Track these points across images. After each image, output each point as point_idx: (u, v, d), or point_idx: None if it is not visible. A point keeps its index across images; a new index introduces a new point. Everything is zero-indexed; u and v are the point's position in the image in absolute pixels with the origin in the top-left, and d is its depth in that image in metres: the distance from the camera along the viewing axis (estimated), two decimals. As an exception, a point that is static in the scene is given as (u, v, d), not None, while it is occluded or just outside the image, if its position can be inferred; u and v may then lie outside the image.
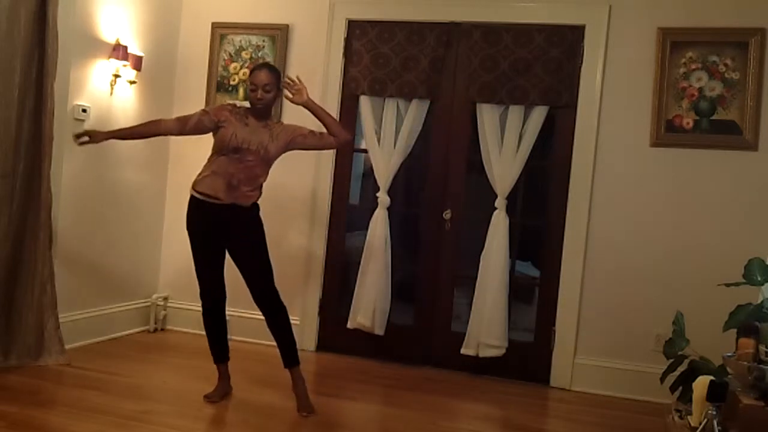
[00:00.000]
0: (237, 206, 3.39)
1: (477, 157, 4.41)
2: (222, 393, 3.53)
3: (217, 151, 3.42)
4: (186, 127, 3.41)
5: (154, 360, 4.21)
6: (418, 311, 4.61)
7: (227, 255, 3.51)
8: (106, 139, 3.43)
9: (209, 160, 3.45)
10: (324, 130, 3.53)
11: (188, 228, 3.47)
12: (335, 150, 4.62)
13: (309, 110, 3.48)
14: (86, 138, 3.35)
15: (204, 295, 3.52)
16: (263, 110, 3.43)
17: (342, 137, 3.55)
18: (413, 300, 4.65)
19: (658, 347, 3.75)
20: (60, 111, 3.83)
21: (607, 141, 4.21)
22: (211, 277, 3.49)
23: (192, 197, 3.44)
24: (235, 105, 3.52)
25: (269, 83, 3.37)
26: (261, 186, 3.49)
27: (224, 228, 3.42)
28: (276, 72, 3.48)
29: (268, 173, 3.50)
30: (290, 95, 3.46)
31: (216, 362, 3.58)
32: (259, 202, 3.50)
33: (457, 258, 4.52)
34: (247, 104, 3.52)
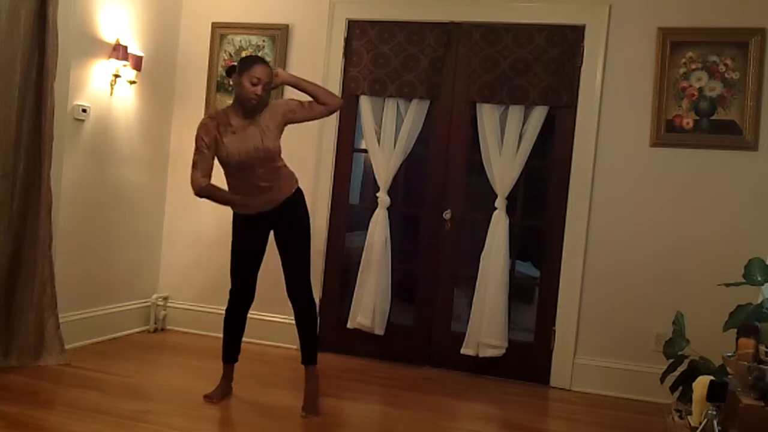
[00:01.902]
0: (282, 204, 3.39)
1: (477, 157, 4.41)
2: (222, 393, 3.52)
3: (225, 169, 3.36)
4: (212, 167, 3.27)
5: (154, 360, 4.21)
6: (418, 311, 4.60)
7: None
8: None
9: (226, 177, 3.39)
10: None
11: (234, 230, 3.48)
12: (335, 150, 4.63)
13: (293, 86, 3.41)
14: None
15: (233, 294, 3.53)
16: (256, 107, 3.25)
17: (333, 104, 3.43)
18: (413, 300, 4.64)
19: (658, 347, 3.76)
20: (60, 111, 3.83)
21: (607, 141, 4.21)
22: (244, 280, 3.49)
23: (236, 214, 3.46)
24: (211, 117, 3.34)
25: (269, 80, 3.25)
26: (291, 173, 3.44)
27: (273, 222, 3.42)
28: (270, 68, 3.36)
29: (283, 161, 3.41)
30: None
31: (224, 361, 3.58)
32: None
33: (457, 258, 4.51)
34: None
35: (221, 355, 3.60)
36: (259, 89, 3.19)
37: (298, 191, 3.46)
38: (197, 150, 3.25)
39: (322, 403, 3.50)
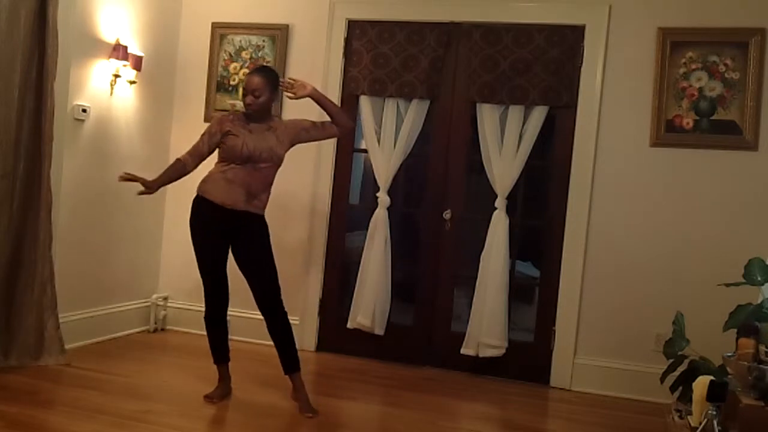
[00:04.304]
0: (251, 213, 3.40)
1: (477, 157, 4.41)
2: (222, 394, 3.52)
3: (226, 159, 3.39)
4: (202, 154, 3.42)
5: (154, 360, 4.21)
6: (418, 311, 4.60)
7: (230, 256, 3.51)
8: (158, 187, 3.41)
9: (217, 166, 3.43)
10: (325, 118, 3.54)
11: (194, 229, 3.45)
12: (335, 150, 4.63)
13: (314, 100, 3.48)
14: (144, 190, 3.36)
15: (208, 299, 3.51)
16: (258, 114, 3.41)
17: (346, 127, 3.59)
18: (413, 300, 4.64)
19: (658, 347, 3.76)
20: (60, 111, 3.83)
21: (607, 141, 4.21)
22: (217, 280, 3.47)
23: (203, 200, 3.39)
24: (231, 112, 3.49)
25: (259, 88, 3.35)
26: (270, 193, 3.51)
27: (233, 231, 3.41)
28: (270, 75, 3.44)
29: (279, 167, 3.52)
30: (292, 95, 3.46)
31: (216, 363, 3.58)
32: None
33: (457, 258, 4.51)
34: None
35: (212, 358, 3.59)
36: (248, 98, 3.37)
37: (263, 217, 3.49)
38: (203, 134, 3.44)
39: (323, 403, 3.51)
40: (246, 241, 3.43)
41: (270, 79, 3.41)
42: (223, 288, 3.51)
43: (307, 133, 3.52)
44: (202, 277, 3.48)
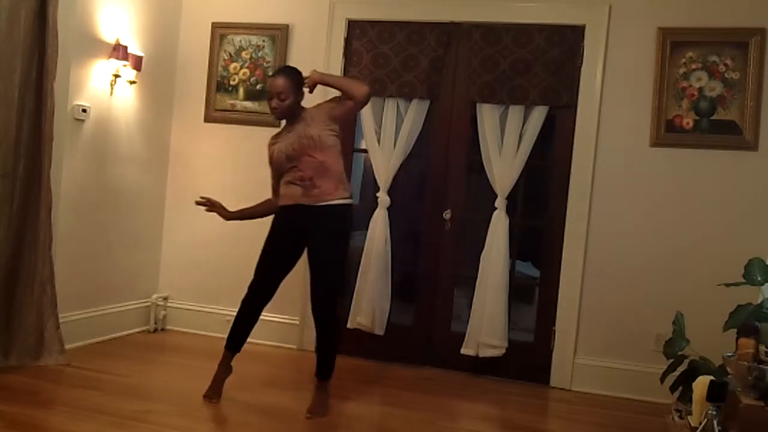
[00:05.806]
0: (322, 208, 3.34)
1: (477, 157, 4.41)
2: (219, 382, 3.49)
3: (280, 173, 3.44)
4: (274, 187, 3.53)
5: (154, 360, 4.22)
6: (418, 311, 4.60)
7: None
8: (232, 218, 3.62)
9: (279, 180, 3.49)
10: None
11: (272, 223, 3.49)
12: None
13: (323, 84, 3.49)
14: (213, 208, 3.52)
15: (253, 287, 3.48)
16: (286, 116, 3.42)
17: (359, 97, 3.42)
18: (413, 300, 4.64)
19: (658, 347, 3.76)
20: (60, 111, 3.83)
21: (607, 141, 4.21)
22: (266, 276, 3.46)
23: (279, 208, 3.47)
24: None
25: (284, 91, 3.34)
26: (341, 179, 3.42)
27: (307, 230, 3.38)
28: (294, 75, 3.43)
29: (338, 162, 3.42)
30: (308, 90, 3.48)
31: (227, 348, 3.54)
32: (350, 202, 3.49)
33: (457, 258, 4.51)
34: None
35: (225, 342, 3.56)
36: (273, 102, 3.36)
37: (344, 207, 3.41)
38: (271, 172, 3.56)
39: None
40: (315, 237, 3.38)
41: (294, 80, 3.40)
42: (267, 290, 3.48)
43: (333, 111, 3.45)
44: (255, 268, 3.48)
